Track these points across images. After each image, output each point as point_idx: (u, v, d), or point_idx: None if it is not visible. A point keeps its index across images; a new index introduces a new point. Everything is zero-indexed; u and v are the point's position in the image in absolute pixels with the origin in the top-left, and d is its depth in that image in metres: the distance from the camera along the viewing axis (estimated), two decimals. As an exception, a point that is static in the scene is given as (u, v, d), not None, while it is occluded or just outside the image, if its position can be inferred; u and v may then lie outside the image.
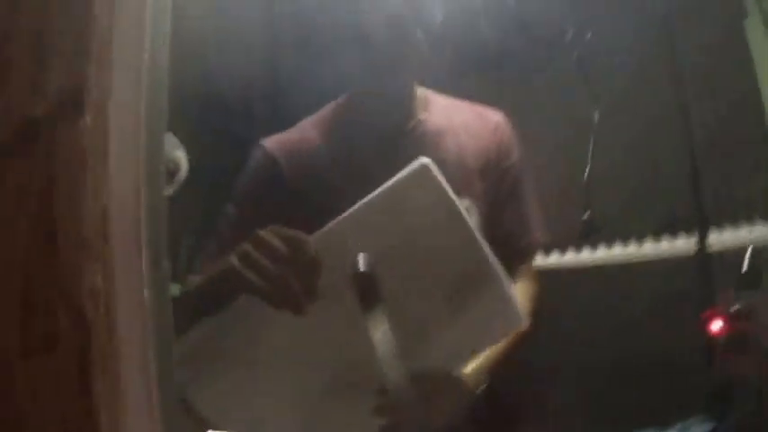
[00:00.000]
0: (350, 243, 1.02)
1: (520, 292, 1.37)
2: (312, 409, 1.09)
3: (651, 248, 1.68)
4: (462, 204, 1.20)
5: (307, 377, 1.09)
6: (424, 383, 1.12)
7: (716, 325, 1.90)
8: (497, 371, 1.32)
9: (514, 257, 1.43)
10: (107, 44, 0.61)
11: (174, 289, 1.85)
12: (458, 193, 1.20)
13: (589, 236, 1.45)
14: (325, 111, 1.55)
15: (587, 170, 1.46)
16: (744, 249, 1.70)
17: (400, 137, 1.47)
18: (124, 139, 0.63)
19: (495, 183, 1.48)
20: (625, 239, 1.76)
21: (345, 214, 1.07)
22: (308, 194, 1.39)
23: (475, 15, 1.69)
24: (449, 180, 1.16)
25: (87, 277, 0.60)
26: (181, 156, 1.85)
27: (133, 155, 0.64)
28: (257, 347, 1.08)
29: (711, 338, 1.88)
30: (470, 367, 1.27)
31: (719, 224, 2.04)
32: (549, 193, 1.62)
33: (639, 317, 2.13)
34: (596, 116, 1.51)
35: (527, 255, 1.48)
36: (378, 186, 1.12)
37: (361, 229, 1.06)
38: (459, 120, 1.54)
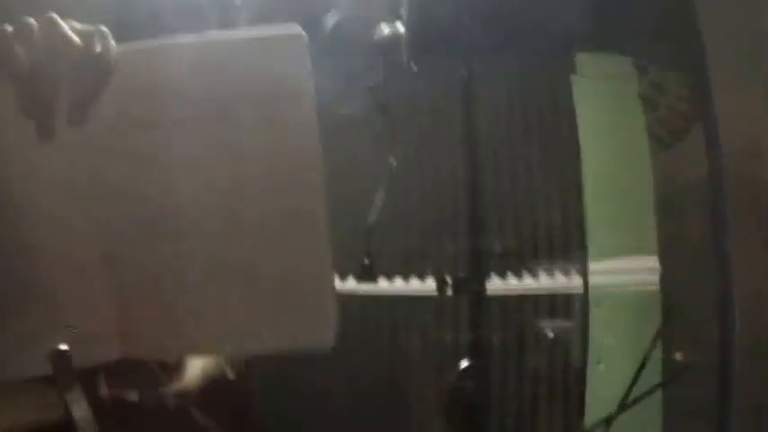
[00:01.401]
0: (167, 77, 0.77)
1: None
2: None
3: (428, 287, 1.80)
4: None
5: None
6: None
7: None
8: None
9: None
10: None
11: None
12: None
13: (367, 280, 1.52)
14: None
15: (373, 215, 1.51)
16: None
17: None
18: None
19: None
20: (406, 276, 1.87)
21: (180, 40, 0.79)
22: None
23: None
24: None
25: None
26: None
27: None
28: None
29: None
30: None
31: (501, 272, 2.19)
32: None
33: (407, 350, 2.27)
34: (393, 162, 1.55)
35: None
36: None
37: (188, 67, 0.78)
38: None
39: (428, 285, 2.27)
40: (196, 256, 0.75)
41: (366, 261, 1.58)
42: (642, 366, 1.35)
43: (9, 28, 0.71)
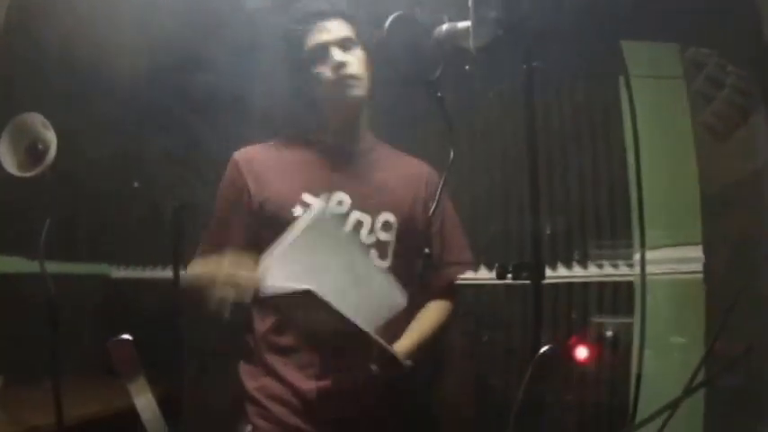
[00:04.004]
0: None
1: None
2: None
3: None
4: (386, 217, 1.71)
5: None
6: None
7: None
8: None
9: (439, 279, 1.79)
10: None
11: (33, 266, 1.88)
12: (388, 209, 1.70)
13: (426, 269, 1.57)
14: (295, 133, 1.80)
15: (433, 207, 1.55)
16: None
17: (355, 156, 1.76)
18: None
19: (425, 220, 1.75)
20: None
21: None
22: (268, 196, 1.68)
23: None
24: (385, 198, 1.69)
25: None
26: (50, 136, 1.83)
27: None
28: None
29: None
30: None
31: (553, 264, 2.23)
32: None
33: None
34: (451, 154, 1.59)
35: (449, 277, 1.82)
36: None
37: None
38: (398, 157, 1.85)
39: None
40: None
41: (426, 251, 1.63)
42: (706, 355, 1.38)
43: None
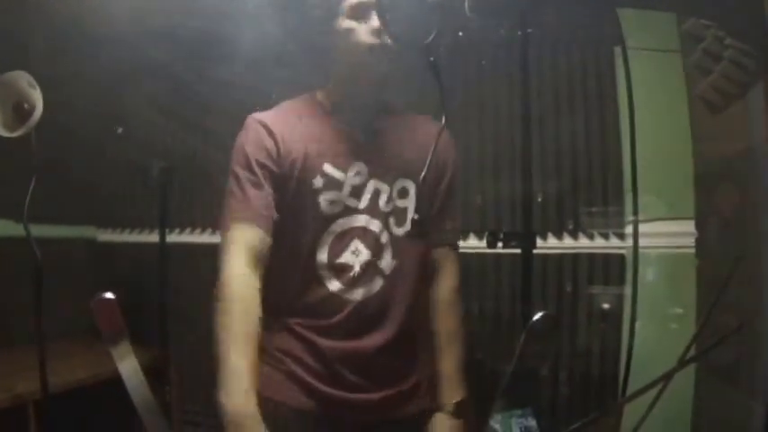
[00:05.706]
0: None
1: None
2: None
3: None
4: (402, 183, 1.68)
5: None
6: None
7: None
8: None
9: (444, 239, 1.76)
10: None
11: (18, 229, 1.85)
12: (405, 175, 1.67)
13: (418, 235, 1.56)
14: (304, 96, 1.75)
15: (423, 173, 1.54)
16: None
17: (370, 125, 1.71)
18: None
19: (436, 176, 1.74)
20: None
21: None
22: (294, 160, 1.62)
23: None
24: (401, 164, 1.66)
25: None
26: (36, 95, 1.79)
27: None
28: None
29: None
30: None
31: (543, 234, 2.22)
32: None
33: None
34: (443, 120, 1.57)
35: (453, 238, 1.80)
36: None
37: None
38: (413, 121, 1.80)
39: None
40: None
41: (416, 216, 1.61)
42: (698, 332, 1.37)
43: None
